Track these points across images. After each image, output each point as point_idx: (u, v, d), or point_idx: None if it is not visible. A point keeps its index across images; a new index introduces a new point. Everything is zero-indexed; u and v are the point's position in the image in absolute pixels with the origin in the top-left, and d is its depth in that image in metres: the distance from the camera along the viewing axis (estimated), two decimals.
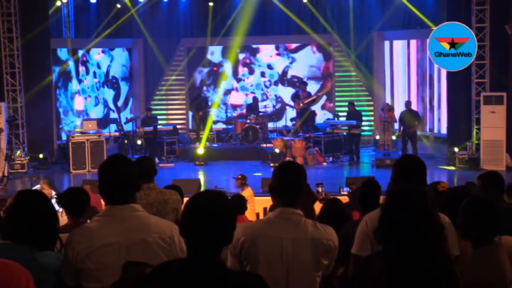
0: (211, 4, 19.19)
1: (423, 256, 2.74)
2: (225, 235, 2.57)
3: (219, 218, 2.55)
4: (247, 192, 10.70)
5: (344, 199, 7.85)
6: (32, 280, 2.75)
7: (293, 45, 19.98)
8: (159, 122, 18.07)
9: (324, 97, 19.79)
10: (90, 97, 19.04)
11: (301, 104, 17.73)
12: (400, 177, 3.88)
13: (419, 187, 3.25)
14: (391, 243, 2.82)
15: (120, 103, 19.69)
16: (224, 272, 2.53)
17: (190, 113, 19.55)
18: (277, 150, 16.20)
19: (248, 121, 17.89)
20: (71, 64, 18.35)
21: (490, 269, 3.39)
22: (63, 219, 5.84)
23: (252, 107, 18.61)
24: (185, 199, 5.95)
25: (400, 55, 18.91)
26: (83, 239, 3.19)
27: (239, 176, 11.28)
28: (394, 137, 17.48)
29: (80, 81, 18.72)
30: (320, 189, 6.10)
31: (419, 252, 2.74)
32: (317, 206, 6.03)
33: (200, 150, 17.01)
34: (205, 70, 19.95)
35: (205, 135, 17.81)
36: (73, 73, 18.50)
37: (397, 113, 17.29)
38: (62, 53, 18.10)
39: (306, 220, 3.37)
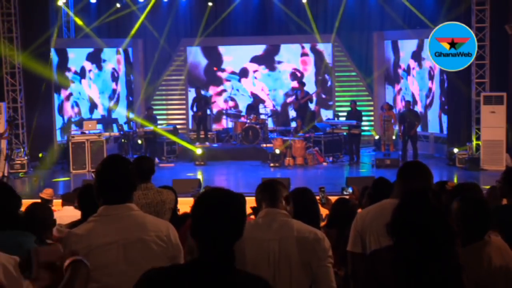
0: (210, 4, 19.17)
1: (432, 256, 2.74)
2: (236, 233, 2.51)
3: (230, 215, 2.49)
4: None
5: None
6: None
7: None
8: (159, 122, 18.06)
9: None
10: (89, 97, 19.03)
11: (298, 103, 17.80)
12: (404, 184, 3.82)
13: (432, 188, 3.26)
14: (401, 240, 2.82)
15: (121, 103, 19.67)
16: (234, 273, 2.49)
17: (190, 113, 19.52)
18: (277, 150, 16.17)
19: (248, 121, 17.88)
20: (70, 62, 18.36)
21: (479, 265, 3.36)
22: (75, 214, 5.84)
23: (252, 107, 18.59)
24: (180, 199, 5.94)
25: (400, 55, 18.90)
26: (80, 239, 3.17)
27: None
28: (394, 137, 17.48)
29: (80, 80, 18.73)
30: (321, 195, 5.97)
31: (429, 252, 2.74)
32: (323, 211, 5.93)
33: (198, 150, 16.97)
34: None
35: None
36: (76, 72, 18.51)
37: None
38: (61, 53, 18.08)
39: (291, 219, 3.38)
